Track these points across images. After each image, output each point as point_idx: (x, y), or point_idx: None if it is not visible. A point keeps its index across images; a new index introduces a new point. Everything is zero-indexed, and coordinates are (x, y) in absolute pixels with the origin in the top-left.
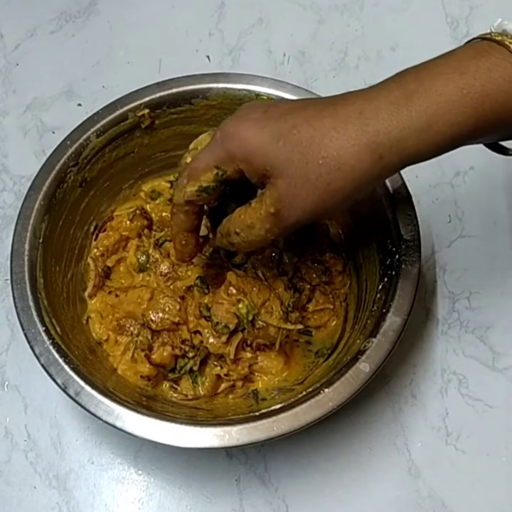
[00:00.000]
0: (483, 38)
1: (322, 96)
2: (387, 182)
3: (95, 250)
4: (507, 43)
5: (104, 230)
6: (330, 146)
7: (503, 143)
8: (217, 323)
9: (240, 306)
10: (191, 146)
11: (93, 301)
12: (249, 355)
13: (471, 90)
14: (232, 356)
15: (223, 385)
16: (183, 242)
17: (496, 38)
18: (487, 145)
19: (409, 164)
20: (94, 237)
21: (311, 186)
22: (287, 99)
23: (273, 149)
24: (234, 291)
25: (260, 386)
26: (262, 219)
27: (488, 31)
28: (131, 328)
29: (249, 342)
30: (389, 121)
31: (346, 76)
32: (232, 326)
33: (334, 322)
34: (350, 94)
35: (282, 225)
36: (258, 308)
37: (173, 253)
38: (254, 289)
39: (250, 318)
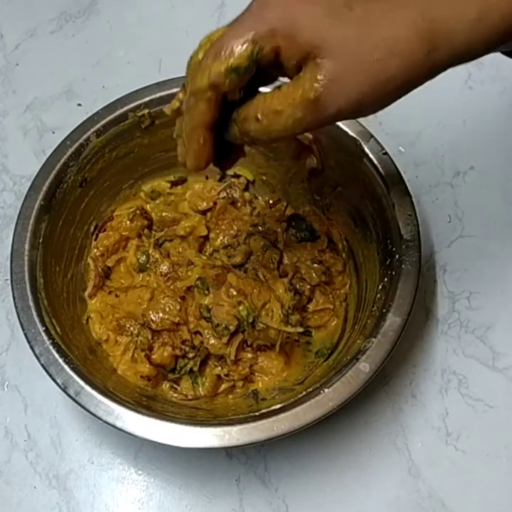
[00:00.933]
0: None
1: None
2: (387, 182)
3: (95, 250)
4: None
5: (104, 230)
6: (388, 27)
7: None
8: (218, 324)
9: (241, 308)
10: (203, 41)
11: (93, 301)
12: (249, 355)
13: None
14: (232, 357)
15: (223, 386)
16: (201, 141)
17: None
18: (506, 53)
19: (455, 63)
20: (94, 237)
21: (363, 70)
22: None
23: (325, 25)
24: (234, 292)
25: (260, 386)
26: (296, 105)
27: None
28: (131, 328)
29: (249, 342)
30: (445, 9)
31: None
32: (232, 328)
33: (334, 322)
34: None
35: (318, 116)
36: (258, 311)
37: (173, 253)
38: (255, 290)
39: (250, 320)
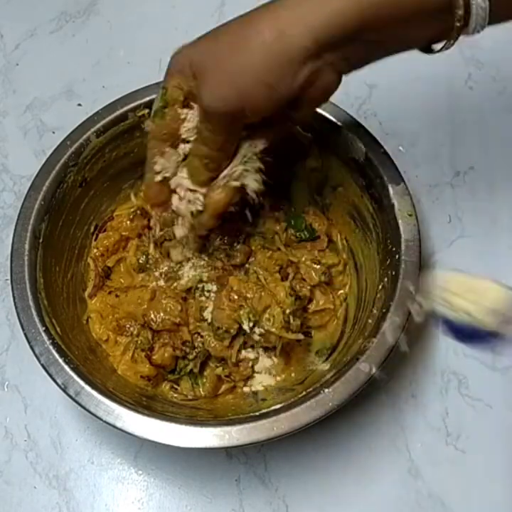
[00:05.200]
0: None
1: None
2: (388, 182)
3: (95, 250)
4: None
5: (104, 230)
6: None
7: None
8: (219, 328)
9: (241, 312)
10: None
11: (93, 301)
12: (250, 356)
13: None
14: (233, 359)
15: (224, 386)
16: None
17: None
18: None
19: (329, 46)
20: (94, 237)
21: (250, 62)
22: None
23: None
24: (235, 297)
25: (260, 386)
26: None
27: None
28: (131, 329)
29: (250, 344)
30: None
31: (346, 76)
32: (233, 331)
33: (334, 322)
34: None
35: (225, 111)
36: (259, 315)
37: (173, 253)
38: (256, 295)
39: (251, 325)
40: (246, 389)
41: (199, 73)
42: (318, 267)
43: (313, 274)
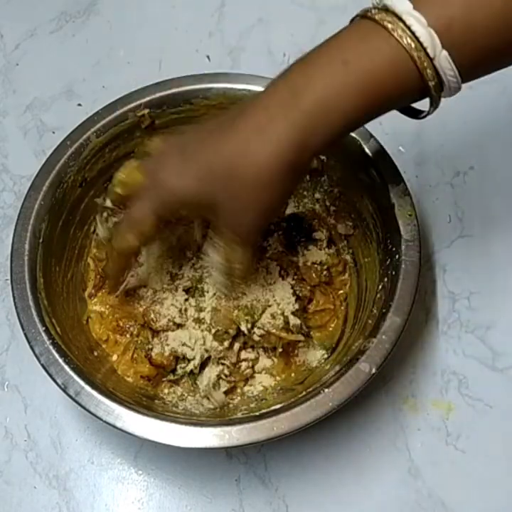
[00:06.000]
0: (364, 15)
1: None
2: (388, 182)
3: (95, 250)
4: (386, 23)
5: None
6: (245, 170)
7: (416, 105)
8: (218, 329)
9: (239, 313)
10: (119, 177)
11: (93, 301)
12: (251, 356)
13: (356, 78)
14: (233, 360)
15: (224, 387)
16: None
17: (375, 18)
18: (399, 110)
19: (318, 152)
20: (95, 236)
21: (245, 206)
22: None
23: (202, 193)
24: (233, 297)
25: (260, 386)
26: (231, 246)
27: (371, 6)
28: (131, 329)
29: (250, 344)
30: (284, 126)
31: None
32: (232, 332)
33: (334, 322)
34: (249, 104)
35: (246, 242)
36: (259, 315)
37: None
38: (256, 294)
39: (249, 326)
40: (246, 389)
41: (213, 213)
42: (318, 267)
43: (313, 274)
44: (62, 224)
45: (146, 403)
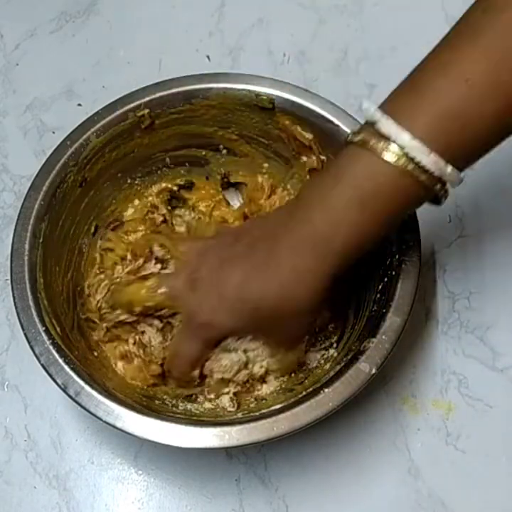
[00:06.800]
0: (363, 146)
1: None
2: None
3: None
4: (390, 156)
5: (113, 229)
6: (290, 309)
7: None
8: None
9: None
10: (124, 298)
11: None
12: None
13: (374, 215)
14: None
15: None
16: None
17: (376, 151)
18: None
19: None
20: (110, 228)
21: (289, 331)
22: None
23: (248, 328)
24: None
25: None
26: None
27: (361, 129)
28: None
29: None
30: (322, 271)
31: (346, 76)
32: (228, 376)
33: (334, 322)
34: (281, 244)
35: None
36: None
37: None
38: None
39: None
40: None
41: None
42: None
43: None
44: (62, 224)
45: (146, 403)
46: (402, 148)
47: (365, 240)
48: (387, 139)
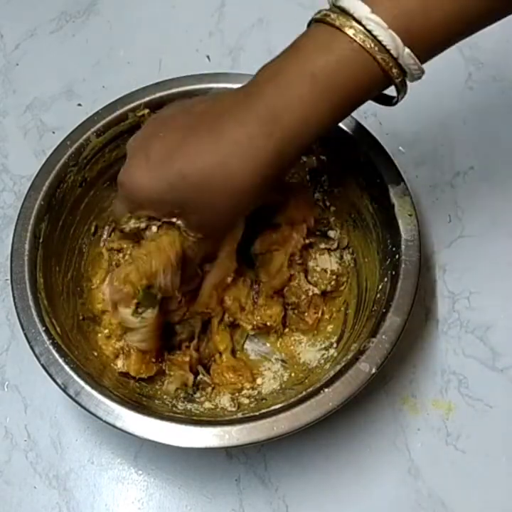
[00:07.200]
0: (323, 20)
1: None
2: (388, 182)
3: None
4: (347, 29)
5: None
6: (222, 182)
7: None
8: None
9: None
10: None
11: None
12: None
13: (326, 89)
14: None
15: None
16: None
17: (336, 24)
18: (372, 99)
19: (294, 162)
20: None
21: (216, 211)
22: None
23: (170, 198)
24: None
25: (263, 386)
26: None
27: (328, 8)
28: None
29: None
30: (263, 144)
31: None
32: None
33: (334, 322)
34: (226, 115)
35: (210, 237)
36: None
37: None
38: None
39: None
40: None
41: (181, 215)
42: (327, 274)
43: (320, 280)
44: (62, 224)
45: (146, 403)
46: (362, 23)
47: (315, 120)
48: (347, 13)
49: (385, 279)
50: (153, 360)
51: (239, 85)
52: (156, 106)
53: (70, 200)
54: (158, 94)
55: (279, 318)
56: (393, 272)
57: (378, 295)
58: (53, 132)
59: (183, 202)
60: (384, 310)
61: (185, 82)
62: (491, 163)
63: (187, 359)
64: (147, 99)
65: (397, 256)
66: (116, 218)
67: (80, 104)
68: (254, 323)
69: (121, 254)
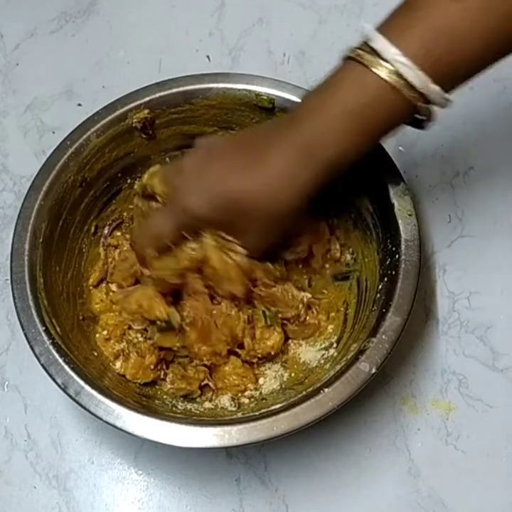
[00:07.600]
0: (355, 59)
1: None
2: (388, 182)
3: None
4: (379, 69)
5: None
6: (267, 207)
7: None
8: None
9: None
10: (146, 179)
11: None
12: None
13: (360, 126)
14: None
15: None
16: None
17: (368, 65)
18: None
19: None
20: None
21: (261, 233)
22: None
23: (218, 216)
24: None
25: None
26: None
27: (358, 46)
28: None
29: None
30: (304, 177)
31: None
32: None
33: (334, 322)
34: (269, 147)
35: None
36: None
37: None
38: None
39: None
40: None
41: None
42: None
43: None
44: (62, 224)
45: (146, 403)
46: (391, 64)
47: (350, 151)
48: (378, 54)
49: (385, 279)
50: (152, 367)
51: (239, 85)
52: (156, 106)
53: (70, 200)
54: (158, 94)
55: (280, 344)
56: (393, 272)
57: (378, 295)
58: (53, 132)
59: (233, 224)
60: (384, 310)
61: (185, 82)
62: (491, 163)
63: (196, 376)
64: (147, 99)
65: (397, 256)
66: (157, 233)
67: (80, 104)
68: (259, 356)
69: (117, 251)
